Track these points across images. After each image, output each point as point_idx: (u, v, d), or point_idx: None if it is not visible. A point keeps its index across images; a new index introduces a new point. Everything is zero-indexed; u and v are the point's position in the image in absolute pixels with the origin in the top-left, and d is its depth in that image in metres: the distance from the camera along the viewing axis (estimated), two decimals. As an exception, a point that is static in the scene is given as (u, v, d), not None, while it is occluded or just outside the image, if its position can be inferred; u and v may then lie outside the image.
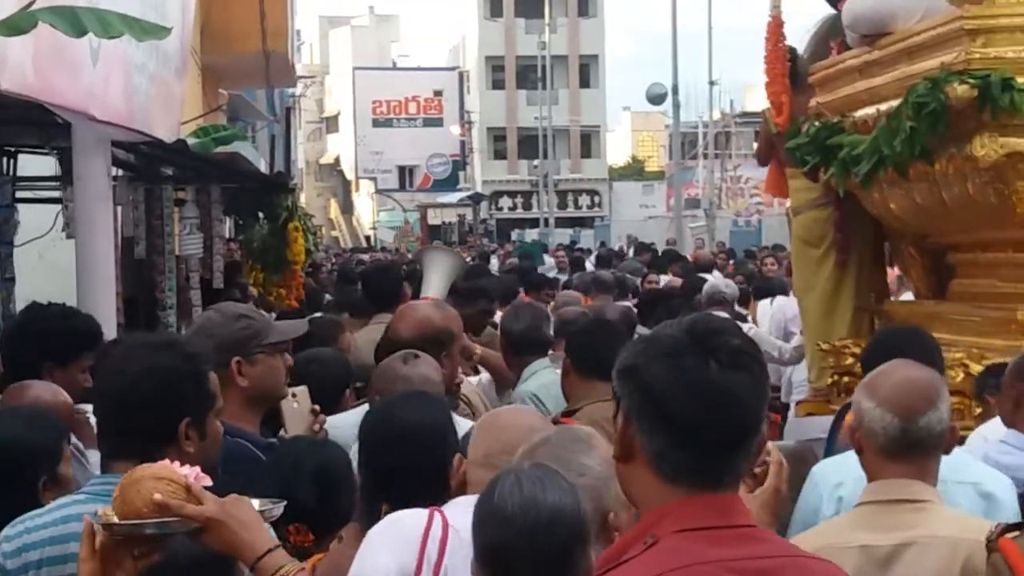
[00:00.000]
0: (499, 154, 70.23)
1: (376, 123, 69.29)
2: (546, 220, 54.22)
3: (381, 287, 7.57)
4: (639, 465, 2.33)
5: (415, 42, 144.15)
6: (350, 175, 75.34)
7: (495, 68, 69.72)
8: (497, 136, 70.16)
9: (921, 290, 7.28)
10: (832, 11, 7.45)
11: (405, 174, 70.26)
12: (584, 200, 68.71)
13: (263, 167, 14.40)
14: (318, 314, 9.36)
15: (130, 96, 6.87)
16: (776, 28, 7.50)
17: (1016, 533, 3.10)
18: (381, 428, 3.51)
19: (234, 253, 14.38)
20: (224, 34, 17.33)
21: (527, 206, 66.35)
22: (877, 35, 6.59)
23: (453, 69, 72.69)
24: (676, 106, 38.18)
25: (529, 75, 64.09)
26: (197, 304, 10.60)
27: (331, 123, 78.77)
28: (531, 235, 53.27)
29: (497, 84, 69.69)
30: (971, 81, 5.59)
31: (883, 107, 6.20)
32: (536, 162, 59.77)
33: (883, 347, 4.60)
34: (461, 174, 69.76)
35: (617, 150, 78.60)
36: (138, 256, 10.07)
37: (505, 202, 68.29)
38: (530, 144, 63.43)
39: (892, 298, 8.06)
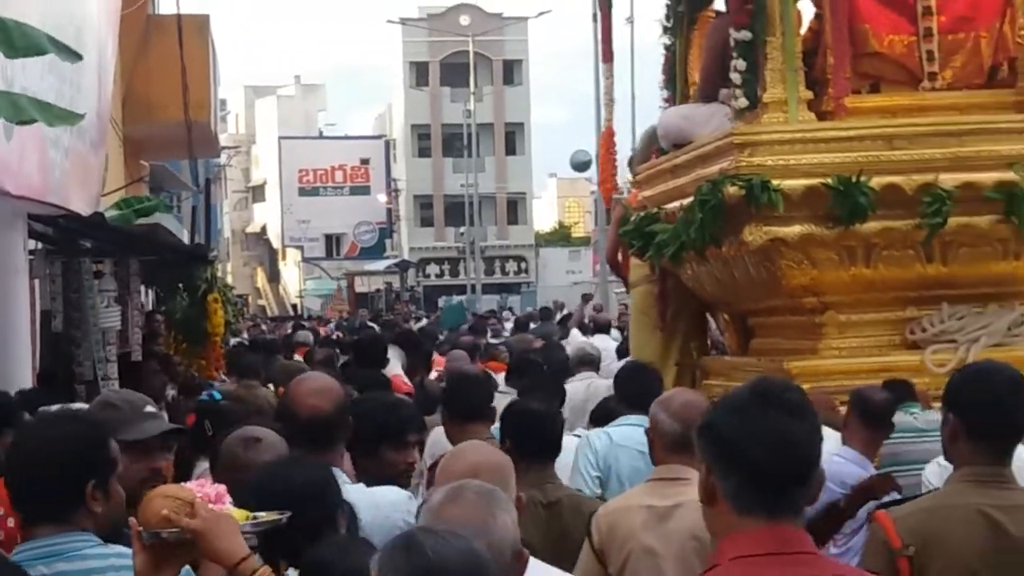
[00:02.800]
0: (426, 221, 70.37)
1: (303, 192, 69.26)
2: (473, 287, 54.35)
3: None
4: (719, 505, 2.82)
5: (341, 111, 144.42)
6: (277, 244, 75.15)
7: (421, 136, 70.00)
8: (424, 203, 70.32)
9: (733, 347, 8.80)
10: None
11: (332, 242, 70.19)
12: (511, 266, 68.96)
13: (186, 238, 14.39)
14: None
15: (45, 170, 6.92)
16: (608, 137, 9.29)
17: (890, 509, 4.03)
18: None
19: (158, 325, 14.36)
20: (146, 105, 17.40)
21: (454, 273, 66.47)
22: (681, 144, 8.18)
23: (379, 137, 72.90)
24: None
25: (455, 143, 64.47)
26: (114, 377, 10.56)
27: (257, 192, 78.59)
28: (458, 301, 53.42)
29: (423, 152, 69.96)
30: (740, 183, 7.14)
31: (684, 202, 7.70)
32: (463, 229, 59.93)
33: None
34: (388, 242, 69.80)
35: (544, 216, 78.96)
36: (55, 329, 10.04)
37: (432, 269, 68.39)
38: (457, 211, 63.60)
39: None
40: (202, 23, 19.39)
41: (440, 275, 67.97)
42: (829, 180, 7.20)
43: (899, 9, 7.89)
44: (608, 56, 9.22)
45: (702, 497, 2.87)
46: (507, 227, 69.77)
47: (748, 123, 7.47)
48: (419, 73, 68.95)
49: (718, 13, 8.47)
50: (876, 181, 7.22)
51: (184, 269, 13.22)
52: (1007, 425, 3.84)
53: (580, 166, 50.86)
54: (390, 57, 71.83)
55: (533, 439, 5.18)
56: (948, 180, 7.25)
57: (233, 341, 18.67)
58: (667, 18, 9.00)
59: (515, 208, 70.75)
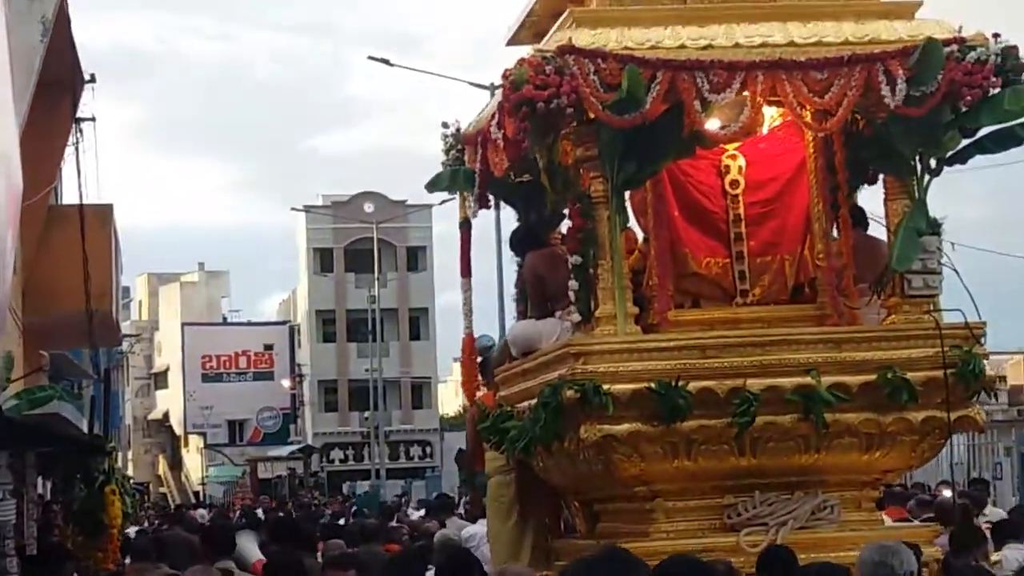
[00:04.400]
0: (330, 406, 70.96)
1: (206, 378, 69.70)
2: (377, 472, 54.80)
3: None
4: None
5: (246, 297, 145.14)
6: (179, 430, 75.15)
7: (326, 321, 71.01)
8: (328, 388, 71.00)
9: (583, 531, 9.65)
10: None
11: (235, 428, 70.47)
12: (416, 451, 69.56)
13: (85, 427, 14.50)
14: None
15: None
16: (468, 343, 10.28)
17: None
18: None
19: (54, 516, 14.82)
20: (47, 295, 17.59)
21: (358, 458, 66.92)
22: (529, 352, 9.35)
23: (284, 323, 73.75)
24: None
25: (360, 328, 65.50)
26: (15, 572, 10.69)
27: (160, 379, 78.81)
28: (363, 487, 53.77)
29: (328, 337, 70.89)
30: (576, 388, 8.23)
31: (532, 402, 8.70)
32: (367, 414, 60.59)
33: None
34: (292, 427, 70.18)
35: (448, 401, 79.85)
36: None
37: (336, 454, 68.80)
38: (361, 396, 64.35)
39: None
40: (105, 213, 19.80)
41: (344, 460, 68.39)
42: (653, 385, 8.32)
43: (714, 235, 9.18)
44: (466, 271, 10.37)
45: None
46: (412, 412, 70.54)
47: (583, 335, 8.64)
48: (323, 259, 70.27)
49: (562, 237, 9.68)
50: (693, 385, 8.35)
51: (82, 459, 13.41)
52: None
53: (483, 351, 51.91)
54: (294, 244, 73.12)
55: None
56: (755, 384, 8.40)
57: (133, 530, 19.21)
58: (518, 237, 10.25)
59: (420, 392, 71.64)
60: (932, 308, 8.81)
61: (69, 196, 21.93)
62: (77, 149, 19.74)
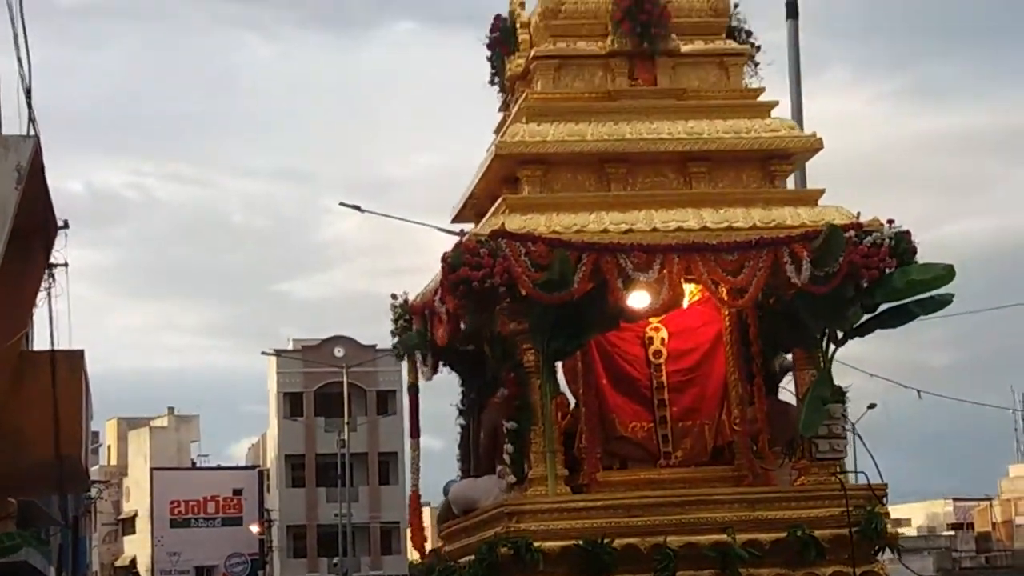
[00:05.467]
0: (299, 552, 70.87)
1: (174, 523, 69.56)
2: (347, 619, 54.59)
3: None
4: None
5: (215, 442, 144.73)
6: (146, 576, 74.81)
7: (295, 466, 71.22)
8: (297, 534, 70.98)
9: None
10: None
11: (203, 575, 70.15)
12: (385, 597, 69.36)
13: (53, 574, 14.99)
14: None
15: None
16: (415, 500, 11.33)
17: None
18: None
19: None
20: (17, 441, 17.02)
21: (328, 605, 66.68)
22: (469, 510, 10.13)
23: (253, 468, 73.85)
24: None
25: (329, 472, 65.53)
26: None
27: (128, 525, 78.56)
28: (332, 634, 53.61)
29: (297, 482, 71.05)
30: (508, 544, 9.01)
31: (472, 558, 9.43)
32: (336, 559, 60.51)
33: None
34: (260, 573, 69.86)
35: (418, 546, 79.53)
36: None
37: (305, 601, 68.58)
38: (330, 541, 64.26)
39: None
40: (76, 359, 19.51)
41: (314, 607, 68.12)
42: (580, 542, 9.06)
43: (640, 401, 10.02)
44: (414, 432, 11.16)
45: None
46: (380, 557, 70.47)
47: (517, 495, 9.42)
48: (293, 403, 70.72)
49: (498, 404, 10.46)
50: (618, 542, 9.11)
51: None
52: None
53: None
54: (265, 387, 73.63)
55: None
56: (675, 541, 9.17)
57: None
58: (462, 402, 11.07)
59: (389, 537, 71.61)
60: (839, 470, 9.60)
61: (41, 341, 21.55)
62: (49, 295, 19.37)
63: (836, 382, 9.64)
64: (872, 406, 52.92)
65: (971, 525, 71.29)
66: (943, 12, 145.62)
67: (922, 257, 9.58)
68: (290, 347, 70.03)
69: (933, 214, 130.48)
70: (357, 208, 36.77)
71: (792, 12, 11.75)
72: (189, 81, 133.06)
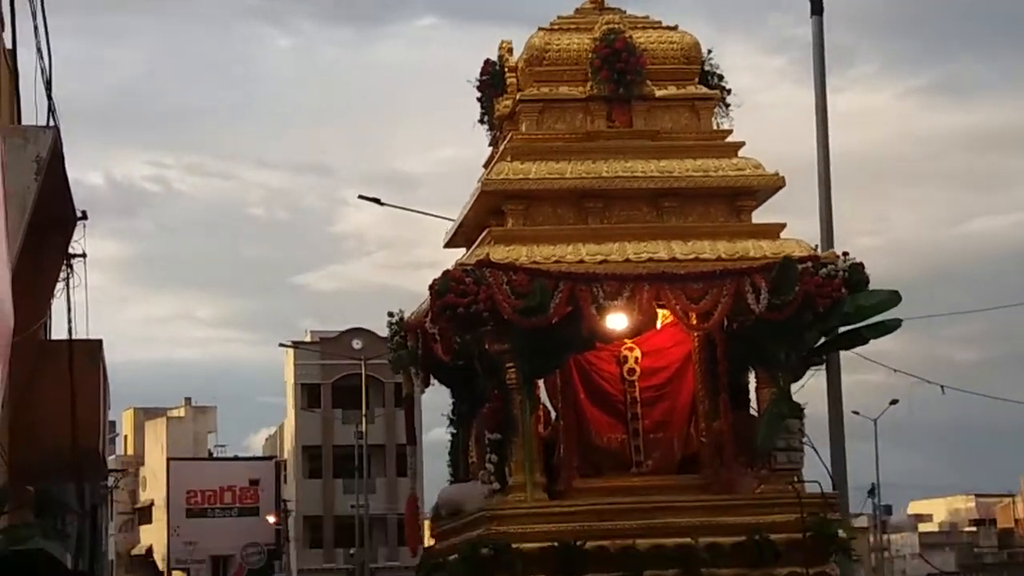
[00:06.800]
0: (315, 542, 71.99)
1: (190, 513, 70.86)
2: (363, 609, 55.54)
3: None
4: None
5: (232, 432, 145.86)
6: (163, 566, 76.10)
7: (312, 457, 72.36)
8: (313, 524, 72.11)
9: None
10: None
11: (219, 564, 71.44)
12: (402, 589, 70.52)
13: (70, 562, 15.32)
14: None
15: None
16: (411, 503, 12.54)
17: None
18: None
19: None
20: (34, 430, 17.42)
21: (344, 595, 67.76)
22: (456, 513, 11.19)
23: (270, 458, 75.07)
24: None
25: (346, 464, 66.54)
26: None
27: (144, 514, 79.94)
28: (347, 625, 54.65)
29: (314, 473, 72.17)
30: (489, 546, 10.16)
31: (458, 556, 10.43)
32: (353, 550, 61.54)
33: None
34: (277, 563, 71.10)
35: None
36: None
37: (322, 591, 69.64)
38: (347, 532, 65.35)
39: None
40: (94, 349, 19.65)
41: (329, 597, 69.18)
42: (556, 544, 10.18)
43: (614, 415, 11.14)
44: (412, 440, 12.31)
45: None
46: (398, 548, 71.61)
47: (499, 500, 10.55)
48: (311, 395, 71.88)
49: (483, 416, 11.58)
50: (590, 544, 10.23)
51: None
52: None
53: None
54: (282, 379, 74.82)
55: None
56: (642, 544, 10.29)
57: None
58: (452, 413, 12.22)
59: (400, 529, 72.77)
60: (796, 479, 10.71)
61: (59, 331, 21.67)
62: (68, 285, 19.95)
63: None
64: (894, 402, 54.29)
65: (993, 521, 72.16)
66: (972, 8, 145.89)
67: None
68: (308, 339, 71.24)
69: (960, 210, 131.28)
70: (376, 201, 37.41)
71: (817, 8, 12.60)
72: (210, 74, 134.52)
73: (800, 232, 11.04)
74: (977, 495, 76.60)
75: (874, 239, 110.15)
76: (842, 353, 13.05)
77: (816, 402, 17.03)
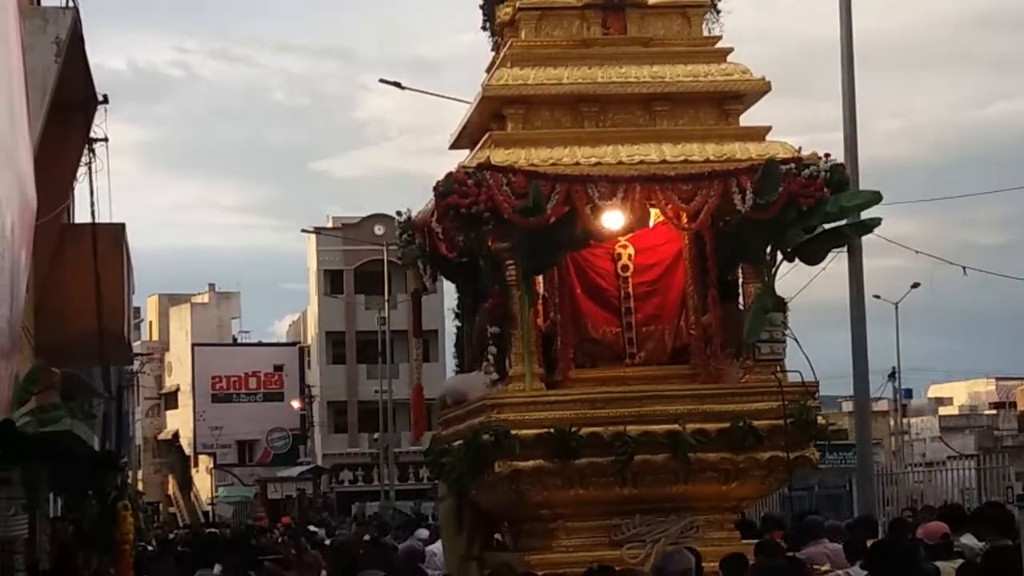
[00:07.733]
0: (340, 428, 73.35)
1: (216, 398, 72.34)
2: (387, 492, 56.64)
3: None
4: None
5: (256, 318, 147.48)
6: (189, 451, 77.76)
7: (335, 343, 73.45)
8: (338, 410, 73.40)
9: (510, 545, 12.28)
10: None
11: (245, 449, 73.08)
12: (425, 472, 71.78)
13: (97, 445, 14.71)
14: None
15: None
16: (417, 391, 13.70)
17: None
18: None
19: (62, 533, 15.66)
20: (60, 314, 18.13)
21: (368, 479, 69.01)
22: (461, 401, 11.91)
23: (294, 344, 76.30)
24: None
25: (369, 350, 67.43)
26: None
27: (170, 399, 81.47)
28: (372, 508, 55.83)
29: (338, 359, 73.31)
30: (490, 432, 10.92)
31: (461, 442, 11.43)
32: (377, 435, 62.68)
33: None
34: (301, 448, 72.60)
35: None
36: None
37: (346, 475, 71.00)
38: (371, 417, 66.44)
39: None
40: (117, 232, 20.47)
41: (354, 481, 70.51)
42: (552, 430, 10.98)
43: (609, 309, 11.89)
44: (417, 333, 13.11)
45: None
46: (421, 433, 72.91)
47: (499, 390, 11.34)
48: (333, 281, 72.79)
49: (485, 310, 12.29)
50: (584, 431, 11.01)
51: (94, 476, 14.01)
52: None
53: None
54: (305, 265, 75.72)
55: None
56: (633, 430, 11.07)
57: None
58: (458, 307, 12.98)
59: (430, 414, 73.68)
60: (779, 369, 11.46)
61: (82, 215, 22.54)
62: (91, 169, 20.44)
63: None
64: (916, 285, 54.90)
65: (1013, 404, 72.84)
66: None
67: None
68: (330, 225, 71.99)
69: (984, 92, 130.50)
70: (397, 85, 37.82)
71: None
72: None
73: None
74: (997, 378, 77.25)
75: (898, 121, 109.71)
76: (864, 237, 13.93)
77: (838, 287, 17.74)
